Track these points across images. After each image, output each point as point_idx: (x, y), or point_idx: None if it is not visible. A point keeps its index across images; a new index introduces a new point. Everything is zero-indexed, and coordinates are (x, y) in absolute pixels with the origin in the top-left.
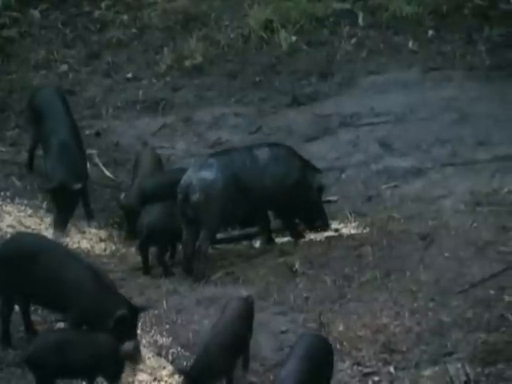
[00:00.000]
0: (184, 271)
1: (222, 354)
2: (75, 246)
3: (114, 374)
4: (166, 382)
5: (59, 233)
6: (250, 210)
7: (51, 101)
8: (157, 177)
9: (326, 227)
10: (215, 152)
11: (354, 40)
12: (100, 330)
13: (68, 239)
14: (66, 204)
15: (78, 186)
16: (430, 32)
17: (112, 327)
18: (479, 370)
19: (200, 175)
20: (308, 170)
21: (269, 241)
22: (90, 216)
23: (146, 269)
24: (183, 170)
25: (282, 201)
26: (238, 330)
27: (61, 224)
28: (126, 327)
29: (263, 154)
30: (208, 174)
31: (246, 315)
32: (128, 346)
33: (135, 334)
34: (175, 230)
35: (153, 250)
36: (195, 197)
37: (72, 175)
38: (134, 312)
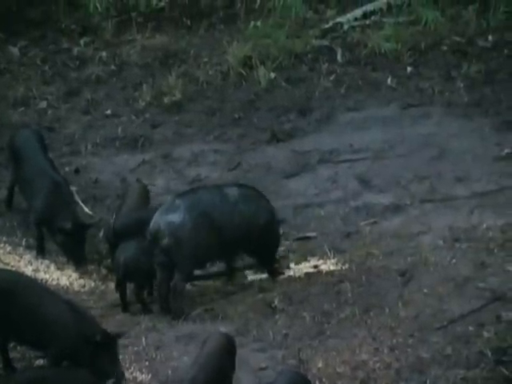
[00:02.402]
0: (161, 310)
1: None
2: (54, 282)
3: None
4: None
5: (82, 270)
6: (223, 247)
7: (30, 142)
8: (128, 216)
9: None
10: (182, 192)
11: (332, 76)
12: (81, 364)
13: (47, 276)
14: (83, 241)
15: (95, 220)
16: (409, 69)
17: (91, 357)
18: None
19: (167, 219)
20: (274, 210)
21: (232, 279)
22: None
23: (124, 306)
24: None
25: (253, 239)
26: (220, 365)
27: (82, 261)
28: (106, 357)
29: (233, 192)
30: (175, 217)
31: (228, 350)
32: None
33: (117, 364)
34: (152, 267)
35: (131, 286)
36: (165, 242)
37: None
38: (111, 339)
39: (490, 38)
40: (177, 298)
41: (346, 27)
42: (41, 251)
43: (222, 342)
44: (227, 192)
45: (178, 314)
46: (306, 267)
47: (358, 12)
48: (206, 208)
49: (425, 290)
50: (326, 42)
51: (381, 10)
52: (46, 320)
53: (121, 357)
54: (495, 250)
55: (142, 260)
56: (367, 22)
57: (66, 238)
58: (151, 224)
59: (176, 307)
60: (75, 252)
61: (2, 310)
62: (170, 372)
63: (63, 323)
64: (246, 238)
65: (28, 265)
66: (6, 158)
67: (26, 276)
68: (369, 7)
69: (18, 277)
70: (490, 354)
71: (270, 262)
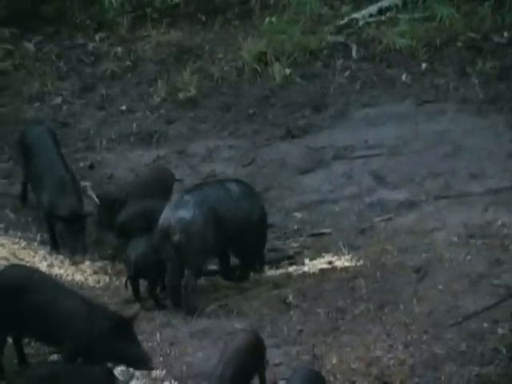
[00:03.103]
0: (173, 306)
1: None
2: (69, 278)
3: None
4: None
5: (77, 259)
6: (226, 242)
7: (42, 138)
8: (131, 209)
9: (262, 271)
10: (188, 188)
11: (347, 73)
12: (96, 360)
13: (62, 271)
14: (80, 230)
15: (89, 213)
16: (424, 65)
17: (113, 346)
18: None
19: (178, 215)
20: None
21: (228, 276)
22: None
23: (138, 302)
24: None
25: (246, 236)
26: (247, 362)
27: (79, 250)
28: (128, 341)
29: (233, 187)
30: (186, 213)
31: (256, 348)
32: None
33: (141, 348)
34: (163, 263)
35: (144, 282)
36: (176, 238)
37: (81, 203)
38: (127, 322)
39: (505, 34)
40: (189, 294)
41: (361, 23)
42: (54, 246)
43: (249, 340)
44: (229, 187)
45: (191, 311)
46: (320, 263)
47: (373, 8)
48: (214, 203)
49: (439, 287)
50: (341, 39)
51: (396, 6)
52: (60, 316)
53: None
54: (510, 247)
55: (152, 257)
56: (382, 18)
57: (64, 226)
58: (161, 220)
59: (189, 304)
60: (72, 241)
61: (16, 306)
62: (184, 368)
63: (78, 319)
64: (244, 233)
65: (43, 260)
66: (16, 154)
67: (40, 272)
68: (384, 3)
69: (31, 273)
70: (504, 350)
71: (257, 260)
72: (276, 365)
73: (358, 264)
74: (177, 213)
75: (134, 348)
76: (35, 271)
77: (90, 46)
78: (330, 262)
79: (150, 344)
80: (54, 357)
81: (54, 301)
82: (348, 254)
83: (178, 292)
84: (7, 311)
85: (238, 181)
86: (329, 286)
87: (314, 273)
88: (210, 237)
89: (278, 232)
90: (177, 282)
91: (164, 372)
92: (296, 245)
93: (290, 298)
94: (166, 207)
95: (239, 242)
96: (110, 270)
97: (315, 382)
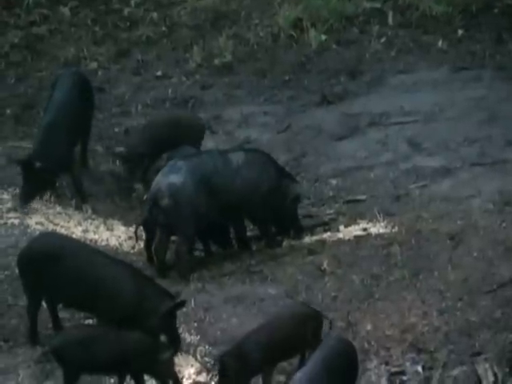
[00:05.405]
0: (158, 272)
1: (259, 351)
2: (104, 243)
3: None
4: (193, 379)
5: (21, 207)
6: (223, 213)
7: (62, 81)
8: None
9: (299, 237)
10: (186, 155)
11: (383, 39)
12: (141, 326)
13: (97, 236)
14: (32, 181)
15: (38, 164)
16: (460, 31)
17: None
18: (507, 370)
19: (168, 180)
20: (283, 179)
21: (243, 246)
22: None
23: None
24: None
25: (253, 206)
26: (279, 333)
27: (23, 200)
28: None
29: (237, 157)
30: (176, 179)
31: (301, 323)
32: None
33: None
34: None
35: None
36: (164, 202)
37: (40, 155)
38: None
39: None
40: (180, 262)
41: None
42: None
43: (295, 315)
44: (231, 157)
45: (183, 275)
46: (355, 230)
47: None
48: (208, 172)
49: (474, 254)
50: (377, 5)
51: None
52: (93, 284)
53: None
54: None
55: None
56: None
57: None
58: (152, 184)
59: (181, 268)
60: (22, 188)
61: (47, 273)
62: (218, 333)
63: (121, 285)
64: (251, 203)
65: (77, 225)
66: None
67: (74, 238)
68: None
69: (62, 240)
70: None
71: (290, 228)
72: None
73: (393, 231)
74: (168, 178)
75: (174, 330)
76: (67, 238)
77: (126, 10)
78: (365, 229)
79: (184, 309)
80: (89, 322)
81: (87, 269)
82: (383, 220)
83: (163, 260)
84: (40, 278)
85: (248, 150)
86: (363, 252)
87: (348, 239)
88: (199, 204)
89: (313, 198)
90: (162, 250)
91: (198, 337)
92: (331, 211)
93: (325, 264)
94: (159, 172)
95: (250, 212)
96: (144, 236)
97: (346, 351)
